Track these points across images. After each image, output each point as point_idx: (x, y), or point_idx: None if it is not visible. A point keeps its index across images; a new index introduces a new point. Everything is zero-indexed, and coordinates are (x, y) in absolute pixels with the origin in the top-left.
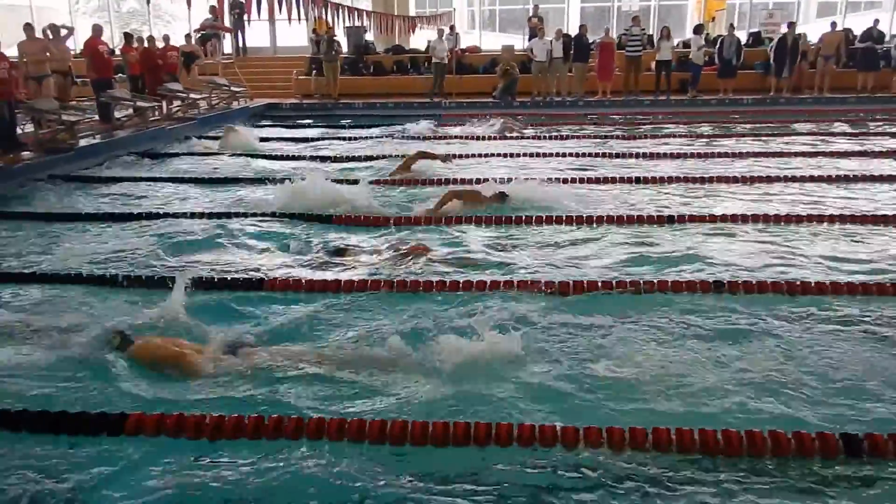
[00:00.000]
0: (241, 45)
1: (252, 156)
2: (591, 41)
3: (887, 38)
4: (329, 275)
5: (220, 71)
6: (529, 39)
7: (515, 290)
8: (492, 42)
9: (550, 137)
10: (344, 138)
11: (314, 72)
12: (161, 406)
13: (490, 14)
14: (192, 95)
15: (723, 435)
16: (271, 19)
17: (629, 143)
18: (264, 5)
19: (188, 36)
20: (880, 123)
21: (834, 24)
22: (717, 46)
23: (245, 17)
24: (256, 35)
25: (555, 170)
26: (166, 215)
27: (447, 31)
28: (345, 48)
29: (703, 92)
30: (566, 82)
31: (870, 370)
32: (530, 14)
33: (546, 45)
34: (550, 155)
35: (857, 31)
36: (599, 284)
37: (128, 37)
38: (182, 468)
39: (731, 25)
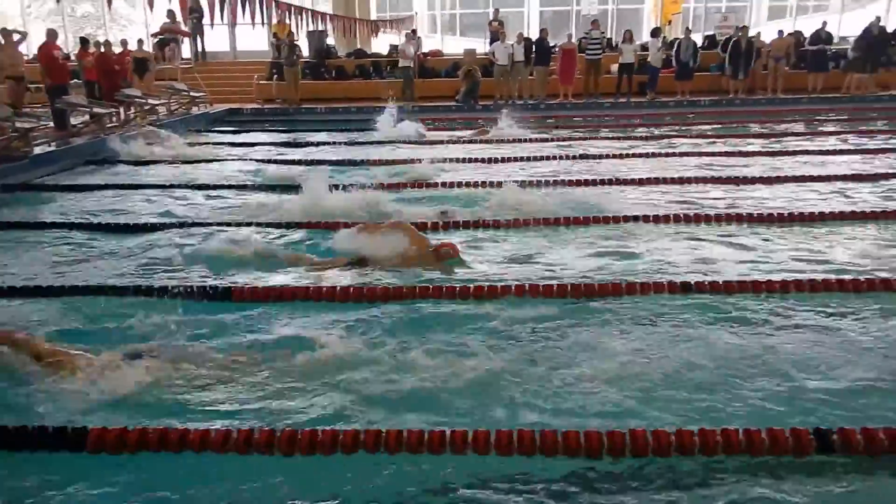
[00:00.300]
0: (200, 49)
1: (216, 161)
2: (552, 45)
3: (836, 40)
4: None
5: (179, 76)
6: (491, 43)
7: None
8: (453, 46)
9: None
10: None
11: (275, 76)
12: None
13: (451, 18)
14: (150, 101)
15: (699, 434)
16: (232, 23)
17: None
18: (226, 9)
19: (140, 41)
20: (832, 123)
21: (781, 33)
22: (675, 49)
23: (204, 21)
24: (216, 39)
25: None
26: (126, 226)
27: (410, 34)
28: (306, 52)
29: (662, 94)
30: (528, 85)
31: (836, 365)
32: (491, 18)
33: (508, 49)
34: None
35: (807, 34)
36: (554, 288)
37: (84, 41)
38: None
39: (688, 29)
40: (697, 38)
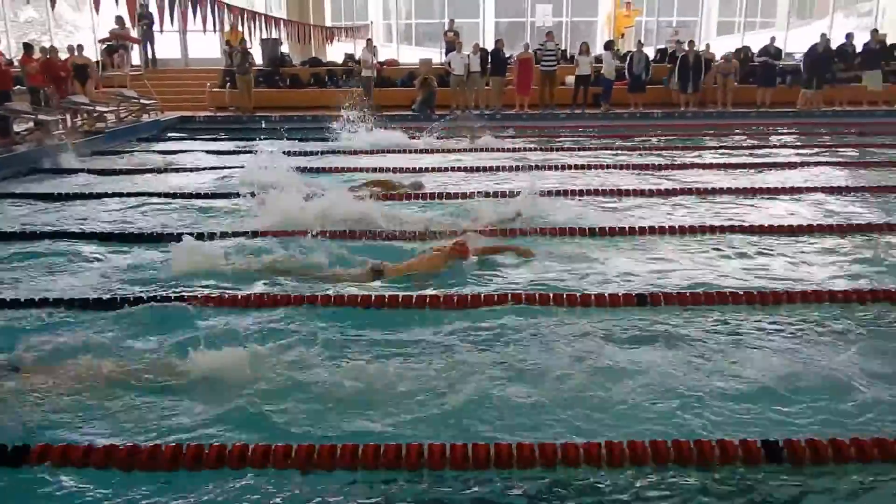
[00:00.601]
0: (150, 56)
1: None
2: (507, 55)
3: (783, 55)
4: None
5: (129, 83)
6: (447, 53)
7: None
8: (409, 55)
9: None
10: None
11: (228, 84)
12: None
13: (406, 28)
14: (98, 108)
15: (650, 445)
16: (182, 30)
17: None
18: (175, 15)
19: (81, 47)
20: (781, 136)
21: (729, 54)
22: (627, 62)
23: (154, 27)
24: (167, 46)
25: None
26: (66, 234)
27: (365, 43)
28: (259, 60)
29: (615, 106)
30: (484, 95)
31: (789, 376)
32: (446, 28)
33: (463, 59)
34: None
35: (755, 49)
36: (509, 297)
37: (27, 47)
38: None
39: (640, 42)
40: (650, 52)
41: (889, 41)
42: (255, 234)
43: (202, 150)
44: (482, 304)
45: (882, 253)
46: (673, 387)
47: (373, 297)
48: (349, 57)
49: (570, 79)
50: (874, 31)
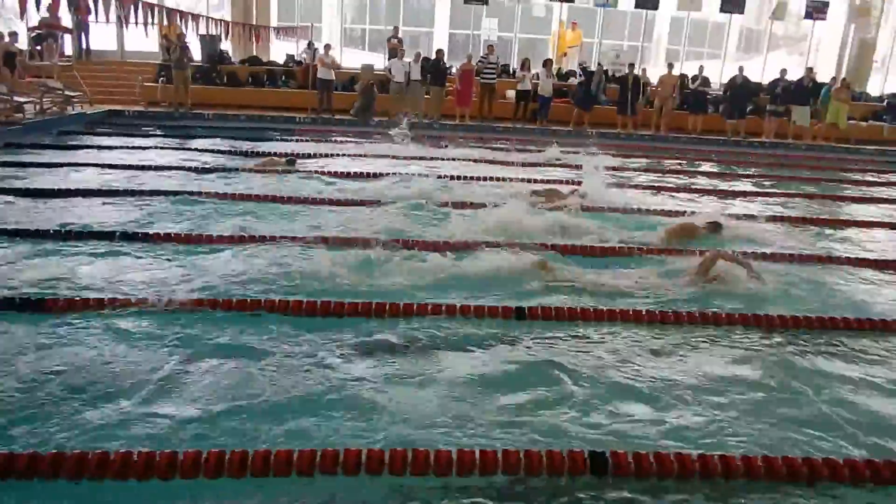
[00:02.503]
0: (84, 47)
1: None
2: (448, 66)
3: (716, 86)
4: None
5: (56, 74)
6: (389, 59)
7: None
8: (353, 60)
9: None
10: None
11: (162, 79)
12: None
13: (355, 32)
14: (17, 98)
15: (480, 455)
16: (121, 23)
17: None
18: (111, 7)
19: (15, 34)
20: (710, 163)
21: (671, 66)
22: (582, 80)
23: (90, 17)
24: (103, 37)
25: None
26: None
27: (305, 45)
28: (198, 56)
29: (550, 122)
30: (424, 104)
31: (624, 389)
32: (391, 35)
33: (404, 67)
34: None
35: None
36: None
37: None
38: None
39: (600, 64)
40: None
41: (821, 79)
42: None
43: (125, 147)
44: None
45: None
46: None
47: None
48: (290, 58)
49: (511, 93)
50: (809, 69)
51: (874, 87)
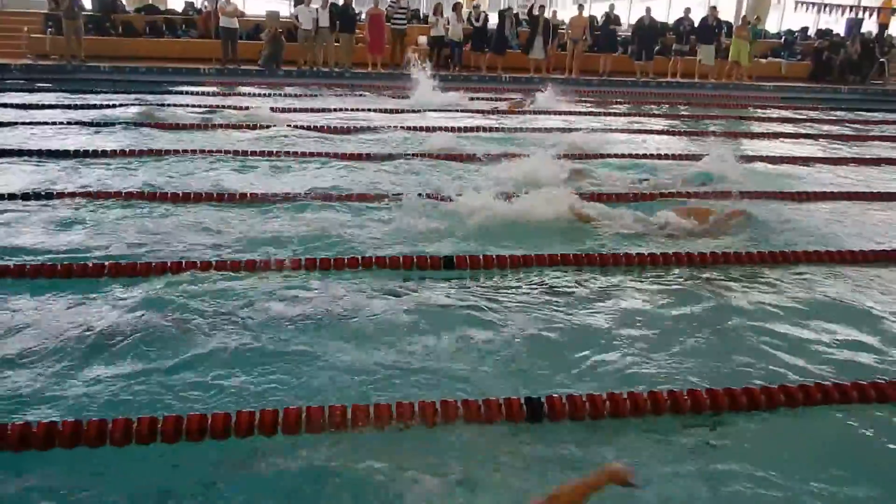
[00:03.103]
0: None
1: None
2: (358, 12)
3: (625, 27)
4: None
5: None
6: (295, 6)
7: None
8: (257, 6)
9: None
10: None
11: (50, 30)
12: None
13: None
14: None
15: (419, 405)
16: None
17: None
18: None
19: None
20: (621, 105)
21: (581, 7)
22: (499, 24)
23: None
24: None
25: None
26: None
27: None
28: (88, 4)
29: (464, 68)
30: (333, 53)
31: (560, 336)
32: None
33: (312, 13)
34: None
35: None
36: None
37: None
38: None
39: (510, 7)
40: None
41: (724, 17)
42: None
43: (14, 104)
44: None
45: None
46: None
47: None
48: (190, 5)
49: (423, 39)
50: (712, 8)
51: (772, 25)
